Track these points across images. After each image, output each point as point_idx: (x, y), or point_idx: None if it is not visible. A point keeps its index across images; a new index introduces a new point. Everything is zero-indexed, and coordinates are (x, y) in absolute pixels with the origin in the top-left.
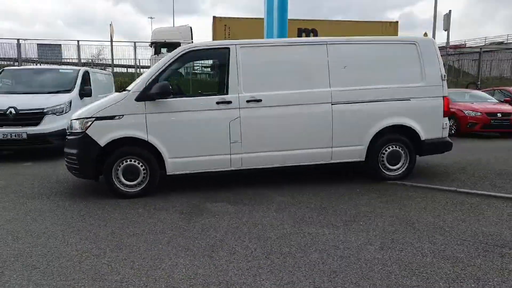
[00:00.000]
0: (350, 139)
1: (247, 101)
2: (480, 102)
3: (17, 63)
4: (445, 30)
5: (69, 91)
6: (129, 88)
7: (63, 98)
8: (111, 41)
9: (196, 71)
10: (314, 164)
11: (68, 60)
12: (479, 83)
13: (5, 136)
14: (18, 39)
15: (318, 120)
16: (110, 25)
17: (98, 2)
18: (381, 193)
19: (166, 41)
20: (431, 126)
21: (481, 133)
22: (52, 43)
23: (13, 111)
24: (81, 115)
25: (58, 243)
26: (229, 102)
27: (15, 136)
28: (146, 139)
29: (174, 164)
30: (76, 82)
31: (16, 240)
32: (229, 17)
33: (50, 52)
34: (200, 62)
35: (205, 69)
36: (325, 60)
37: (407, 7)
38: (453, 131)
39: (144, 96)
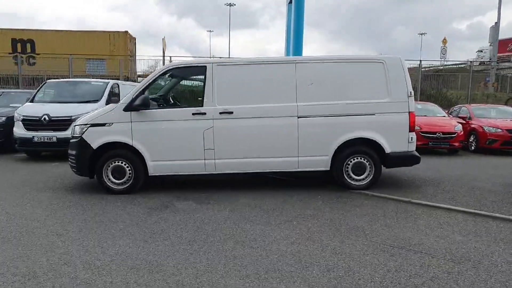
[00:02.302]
0: (315, 149)
1: (220, 113)
2: (505, 118)
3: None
4: (490, 44)
5: (96, 101)
6: (121, 100)
7: (90, 107)
8: (163, 55)
9: (179, 85)
10: (282, 171)
11: (112, 74)
12: None
13: (39, 139)
14: (70, 54)
15: (285, 131)
16: (163, 39)
17: (164, 17)
18: (337, 200)
19: None
20: (396, 140)
21: (507, 151)
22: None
23: (46, 117)
24: (81, 122)
25: (38, 225)
26: (204, 114)
27: (47, 139)
28: (131, 144)
29: (155, 167)
30: (104, 93)
31: (8, 221)
32: None
33: (95, 66)
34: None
35: (187, 84)
36: (293, 77)
37: (477, 17)
38: (473, 148)
39: (130, 107)
